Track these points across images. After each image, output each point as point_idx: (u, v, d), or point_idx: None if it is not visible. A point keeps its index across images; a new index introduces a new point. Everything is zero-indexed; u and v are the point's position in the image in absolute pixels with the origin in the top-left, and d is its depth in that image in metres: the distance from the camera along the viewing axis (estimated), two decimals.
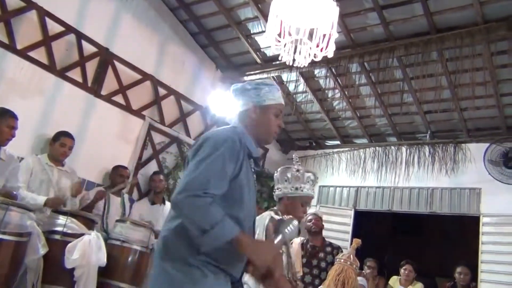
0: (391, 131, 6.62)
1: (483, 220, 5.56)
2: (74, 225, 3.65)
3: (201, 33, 6.25)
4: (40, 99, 4.65)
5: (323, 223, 4.34)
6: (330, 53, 3.89)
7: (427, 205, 6.11)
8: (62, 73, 4.85)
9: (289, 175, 2.75)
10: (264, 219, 2.69)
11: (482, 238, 5.46)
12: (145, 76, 5.74)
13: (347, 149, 7.03)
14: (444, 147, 6.09)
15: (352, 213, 6.62)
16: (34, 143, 4.53)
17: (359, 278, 5.11)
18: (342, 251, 4.15)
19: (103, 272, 3.72)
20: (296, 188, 2.72)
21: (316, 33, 3.84)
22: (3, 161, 3.58)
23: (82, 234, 3.63)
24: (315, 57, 3.91)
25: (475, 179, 5.71)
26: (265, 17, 4.69)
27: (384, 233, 9.19)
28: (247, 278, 2.49)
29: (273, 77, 6.31)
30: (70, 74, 4.93)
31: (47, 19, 4.71)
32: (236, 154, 1.78)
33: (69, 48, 4.96)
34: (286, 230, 1.83)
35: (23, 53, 4.51)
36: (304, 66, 4.08)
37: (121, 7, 5.43)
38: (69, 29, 4.91)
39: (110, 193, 4.73)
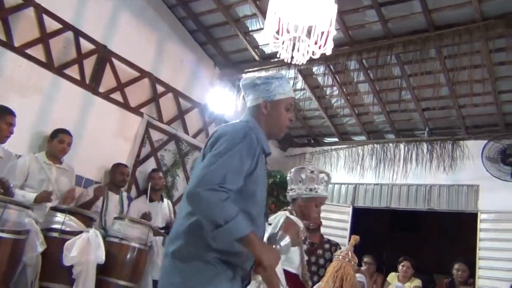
0: (389, 128, 6.63)
1: (481, 216, 5.58)
2: (72, 222, 3.65)
3: (200, 31, 6.23)
4: (37, 96, 4.64)
5: (321, 220, 4.34)
6: (328, 51, 3.88)
7: (425, 202, 6.13)
8: (60, 71, 4.84)
9: (303, 176, 2.76)
10: (279, 218, 2.70)
11: (480, 235, 5.48)
12: (143, 74, 5.73)
13: (345, 146, 7.04)
14: (442, 144, 6.11)
15: (350, 210, 6.63)
16: (32, 141, 4.52)
17: (357, 274, 5.13)
18: (340, 248, 4.15)
19: (101, 270, 3.72)
20: (311, 189, 2.73)
21: (314, 31, 3.83)
22: (1, 158, 3.58)
23: (81, 232, 3.64)
24: (313, 54, 3.90)
25: (473, 176, 5.72)
26: (263, 14, 4.69)
27: (382, 230, 9.21)
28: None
29: None
30: (68, 71, 4.92)
31: (45, 16, 4.69)
32: (253, 150, 1.78)
33: (67, 45, 4.94)
34: (283, 244, 1.83)
35: (20, 51, 4.49)
36: (302, 63, 4.07)
37: (119, 4, 5.41)
38: (66, 26, 4.89)
39: (108, 191, 4.74)
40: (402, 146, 6.48)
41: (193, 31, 6.33)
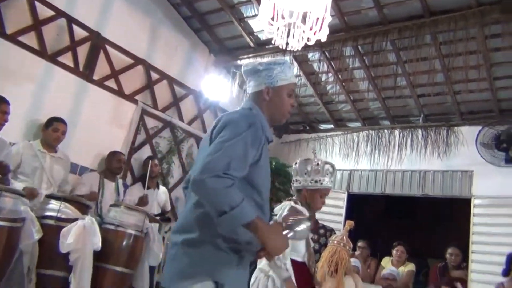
0: (385, 115, 6.64)
1: (474, 202, 5.63)
2: (68, 210, 3.66)
3: (194, 17, 6.18)
4: (31, 84, 4.61)
5: None
6: (323, 37, 3.87)
7: (419, 187, 6.17)
8: (53, 58, 4.80)
9: (309, 168, 2.79)
10: (284, 207, 2.72)
11: (473, 220, 5.54)
12: (138, 61, 5.70)
13: (340, 132, 7.05)
14: (437, 130, 6.13)
15: (345, 196, 6.67)
16: (26, 129, 4.50)
17: (352, 259, 5.19)
18: (335, 233, 4.19)
19: (98, 256, 3.74)
20: (316, 181, 2.77)
21: (310, 17, 3.81)
22: None
23: (76, 219, 3.65)
24: (308, 40, 3.88)
25: (467, 161, 5.76)
26: (258, 0, 4.65)
27: (377, 215, 9.28)
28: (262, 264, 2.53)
29: None
30: (61, 59, 4.88)
31: (37, 3, 4.64)
32: (258, 140, 1.78)
33: (60, 32, 4.89)
34: (298, 229, 1.82)
35: (13, 38, 4.44)
36: (298, 49, 4.05)
37: None
38: (59, 13, 4.84)
39: (104, 178, 4.74)
40: (397, 132, 6.50)
41: (187, 18, 6.27)
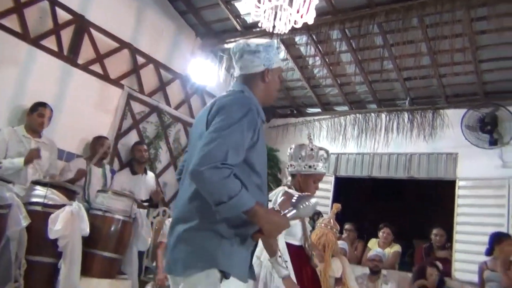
0: (371, 98, 6.67)
1: (459, 183, 5.71)
2: (54, 196, 3.63)
3: None
4: (14, 69, 4.52)
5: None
6: (310, 20, 3.86)
7: (405, 170, 6.23)
8: (36, 42, 4.70)
9: (303, 153, 2.80)
10: (278, 192, 2.74)
11: (458, 201, 5.63)
12: (123, 45, 5.62)
13: (327, 116, 7.07)
14: (422, 113, 6.17)
15: (332, 179, 6.72)
16: (11, 114, 4.44)
17: (339, 242, 5.26)
18: (322, 216, 4.25)
19: (86, 242, 3.74)
20: (310, 166, 2.78)
21: None
22: None
23: (63, 205, 3.63)
24: (295, 23, 3.87)
25: (452, 144, 5.82)
26: None
27: (364, 198, 9.39)
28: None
29: None
30: (44, 42, 4.79)
31: None
32: (254, 123, 1.77)
33: (43, 15, 4.79)
34: (301, 206, 1.83)
35: None
36: (285, 33, 4.04)
37: None
38: None
39: (91, 164, 4.71)
40: (383, 115, 6.53)
41: (173, 0, 6.18)
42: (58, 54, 4.91)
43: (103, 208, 4.01)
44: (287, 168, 2.94)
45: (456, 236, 5.49)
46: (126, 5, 5.64)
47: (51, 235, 3.46)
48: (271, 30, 3.99)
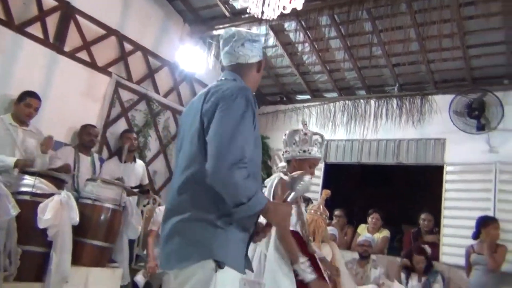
0: (360, 85, 6.68)
1: (446, 169, 5.77)
2: (43, 185, 3.60)
3: None
4: None
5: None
6: (299, 5, 3.84)
7: (394, 156, 6.27)
8: (21, 29, 4.62)
9: (297, 138, 2.80)
10: (273, 180, 2.74)
11: (446, 186, 5.70)
12: (110, 31, 5.54)
13: (317, 103, 7.07)
14: (411, 99, 6.20)
15: (322, 166, 6.74)
16: None
17: (329, 227, 5.31)
18: (312, 203, 4.27)
19: (76, 231, 3.72)
20: (304, 151, 2.77)
21: None
22: None
23: (52, 194, 3.60)
24: (284, 9, 3.85)
25: (440, 129, 5.87)
26: None
27: (353, 184, 9.45)
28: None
29: None
30: (29, 30, 4.71)
31: None
32: (254, 114, 1.77)
33: (27, 1, 4.70)
34: (298, 186, 1.87)
35: None
36: (273, 19, 4.01)
37: None
38: None
39: (78, 152, 4.68)
40: (372, 102, 6.55)
41: None
42: (43, 42, 4.83)
43: (92, 197, 3.99)
44: (283, 155, 2.95)
45: (443, 221, 5.57)
46: None
47: (41, 225, 3.44)
48: (259, 16, 3.96)
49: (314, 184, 6.50)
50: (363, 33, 5.80)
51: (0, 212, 3.25)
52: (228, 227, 1.70)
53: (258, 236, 1.88)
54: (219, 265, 1.66)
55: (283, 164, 2.94)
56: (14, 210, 3.32)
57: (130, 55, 5.83)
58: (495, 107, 5.50)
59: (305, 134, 2.80)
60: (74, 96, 5.14)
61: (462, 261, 4.91)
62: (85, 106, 5.26)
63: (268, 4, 3.83)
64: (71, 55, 5.11)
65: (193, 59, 6.43)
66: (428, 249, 5.01)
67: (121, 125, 5.68)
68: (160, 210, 5.00)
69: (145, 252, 4.88)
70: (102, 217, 3.98)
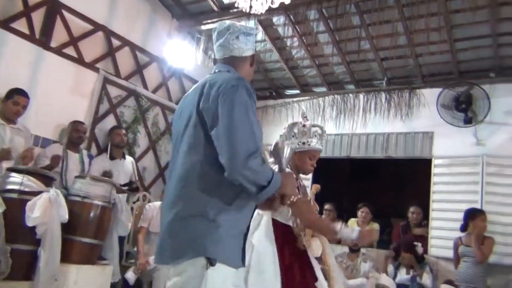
0: (349, 79, 6.70)
1: (435, 162, 5.82)
2: (31, 183, 3.57)
3: None
4: None
5: None
6: None
7: (383, 150, 6.31)
8: (6, 25, 4.56)
9: (295, 130, 2.79)
10: None
11: (434, 179, 5.74)
12: (97, 27, 5.49)
13: (306, 97, 7.08)
14: (399, 93, 6.23)
15: None
16: None
17: None
18: None
19: (65, 229, 3.70)
20: (303, 143, 2.76)
21: None
22: None
23: (41, 192, 3.57)
24: (272, 3, 3.84)
25: (428, 123, 5.91)
26: None
27: (343, 178, 9.50)
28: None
29: None
30: (15, 25, 4.64)
31: None
32: (254, 101, 1.78)
33: None
34: (281, 154, 2.02)
35: None
36: (262, 13, 4.00)
37: None
38: None
39: (67, 149, 4.64)
40: (361, 96, 6.58)
41: None
42: (29, 37, 4.77)
43: (81, 194, 3.96)
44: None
45: (432, 214, 5.62)
46: None
47: (29, 223, 3.41)
48: (248, 11, 3.95)
49: (304, 179, 6.53)
50: (351, 27, 5.82)
51: None
52: (222, 222, 1.69)
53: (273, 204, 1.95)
54: (211, 262, 1.64)
55: (272, 159, 2.93)
56: (0, 208, 3.29)
57: (118, 51, 5.78)
58: (482, 100, 5.55)
59: (304, 126, 2.80)
60: (61, 93, 5.08)
61: (450, 253, 4.97)
62: (72, 102, 5.21)
63: None
64: (58, 51, 5.05)
65: (181, 54, 6.39)
66: (420, 248, 5.04)
67: (110, 121, 5.64)
68: (150, 207, 4.99)
69: (135, 249, 4.86)
70: (91, 214, 3.96)
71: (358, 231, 2.57)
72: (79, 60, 5.28)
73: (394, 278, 5.02)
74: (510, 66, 5.53)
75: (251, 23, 6.02)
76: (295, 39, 6.30)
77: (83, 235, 3.89)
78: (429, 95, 5.96)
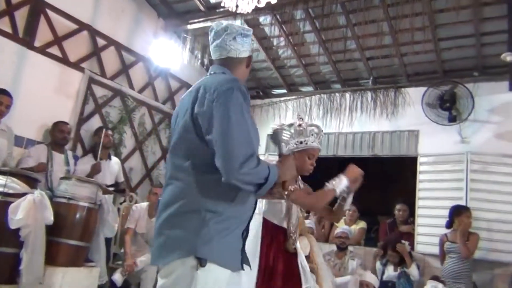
0: (336, 78, 6.74)
1: (420, 160, 5.88)
2: (15, 184, 3.52)
3: None
4: None
5: None
6: None
7: (369, 148, 6.36)
8: None
9: (292, 131, 2.78)
10: None
11: (419, 177, 5.80)
12: (82, 26, 5.42)
13: (293, 97, 7.10)
14: (385, 92, 6.29)
15: None
16: None
17: (307, 221, 5.35)
18: None
19: (51, 231, 3.66)
20: (300, 142, 2.76)
21: None
22: None
23: (25, 194, 3.52)
24: (258, 2, 3.84)
25: (414, 121, 5.98)
26: None
27: (330, 177, 9.52)
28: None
29: None
30: None
31: None
32: (248, 102, 1.78)
33: None
34: (283, 137, 2.11)
35: None
36: (248, 12, 4.00)
37: None
38: None
39: (51, 150, 4.58)
40: (348, 95, 6.62)
41: None
42: (12, 36, 4.70)
43: (67, 196, 3.91)
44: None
45: (418, 211, 5.67)
46: None
47: (12, 225, 3.36)
48: (234, 10, 3.95)
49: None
50: (338, 27, 5.85)
51: None
52: (216, 222, 1.67)
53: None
54: (201, 262, 1.61)
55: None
56: None
57: (103, 50, 5.72)
58: (466, 99, 5.63)
59: (300, 125, 2.80)
60: (45, 93, 5.01)
61: (436, 250, 5.02)
62: (57, 103, 5.14)
63: None
64: (42, 51, 4.98)
65: (167, 53, 6.35)
66: (407, 246, 5.09)
67: (95, 122, 5.58)
68: (137, 208, 4.95)
69: (122, 250, 4.82)
70: (77, 216, 3.91)
71: (344, 177, 2.72)
72: (63, 59, 5.21)
73: (382, 275, 5.06)
74: (493, 65, 5.61)
75: (238, 22, 6.02)
76: (282, 38, 6.32)
77: (69, 237, 3.84)
78: (414, 94, 6.02)
